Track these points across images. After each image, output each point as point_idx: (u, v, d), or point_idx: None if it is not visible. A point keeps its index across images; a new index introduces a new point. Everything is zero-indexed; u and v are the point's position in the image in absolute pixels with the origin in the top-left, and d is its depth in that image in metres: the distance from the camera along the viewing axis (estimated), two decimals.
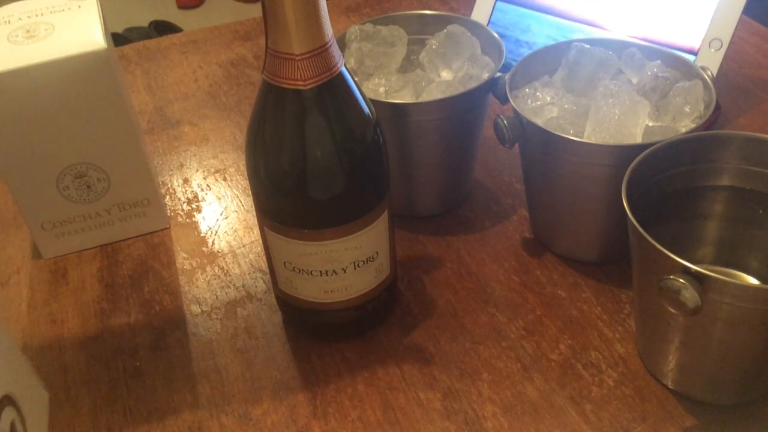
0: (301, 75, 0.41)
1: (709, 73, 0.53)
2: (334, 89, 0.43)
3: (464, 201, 0.65)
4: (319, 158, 0.44)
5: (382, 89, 0.57)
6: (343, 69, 0.43)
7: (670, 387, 0.48)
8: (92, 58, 0.54)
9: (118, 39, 1.90)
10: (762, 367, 0.44)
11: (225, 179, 0.71)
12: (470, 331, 0.53)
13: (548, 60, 0.58)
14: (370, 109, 0.46)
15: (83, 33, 0.55)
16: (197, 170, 0.72)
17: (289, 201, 0.46)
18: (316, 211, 0.46)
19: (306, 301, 0.50)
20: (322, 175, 0.44)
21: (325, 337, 0.53)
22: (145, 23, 2.19)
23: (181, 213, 0.67)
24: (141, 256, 0.62)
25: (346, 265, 0.48)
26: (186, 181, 0.71)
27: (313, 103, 0.42)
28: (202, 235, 0.64)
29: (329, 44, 0.41)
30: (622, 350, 0.51)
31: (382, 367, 0.51)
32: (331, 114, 0.43)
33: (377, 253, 0.49)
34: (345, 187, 0.45)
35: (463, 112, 0.57)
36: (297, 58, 0.41)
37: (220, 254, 0.62)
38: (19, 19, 0.57)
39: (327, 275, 0.48)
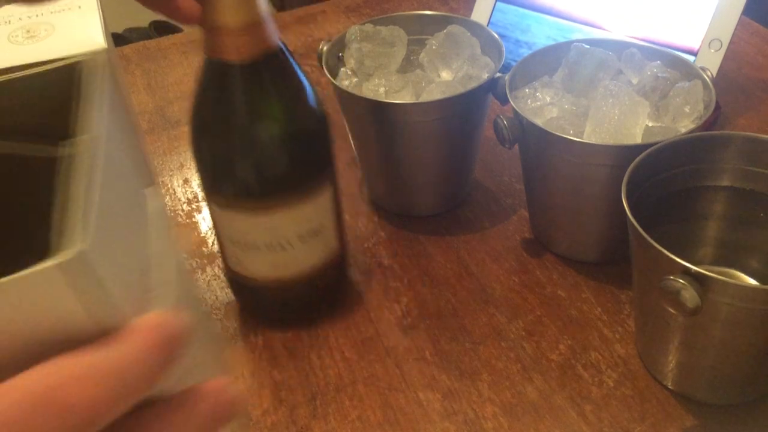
0: (235, 47, 0.42)
1: (709, 73, 0.53)
2: (270, 63, 0.44)
3: (464, 201, 0.65)
4: (253, 129, 0.45)
5: (382, 89, 0.57)
6: (281, 45, 0.44)
7: (670, 387, 0.48)
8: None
9: (118, 39, 1.90)
10: (762, 367, 0.44)
11: None
12: (470, 331, 0.53)
13: (548, 60, 0.58)
14: (309, 83, 0.46)
15: (83, 33, 0.55)
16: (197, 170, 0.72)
17: (227, 174, 0.46)
18: (255, 183, 0.46)
19: (255, 279, 0.51)
20: (257, 147, 0.45)
21: (277, 317, 0.54)
22: (145, 23, 2.19)
23: (181, 213, 0.67)
24: None
25: (291, 237, 0.48)
26: (186, 181, 0.71)
27: (247, 75, 0.43)
28: (202, 235, 0.64)
29: (263, 19, 0.42)
30: (622, 350, 0.51)
31: (382, 367, 0.51)
32: (265, 86, 0.44)
33: (322, 225, 0.49)
34: (281, 159, 0.46)
35: (463, 112, 0.57)
36: (231, 30, 0.41)
37: (220, 254, 0.62)
38: (20, 19, 0.57)
39: (273, 250, 0.48)
